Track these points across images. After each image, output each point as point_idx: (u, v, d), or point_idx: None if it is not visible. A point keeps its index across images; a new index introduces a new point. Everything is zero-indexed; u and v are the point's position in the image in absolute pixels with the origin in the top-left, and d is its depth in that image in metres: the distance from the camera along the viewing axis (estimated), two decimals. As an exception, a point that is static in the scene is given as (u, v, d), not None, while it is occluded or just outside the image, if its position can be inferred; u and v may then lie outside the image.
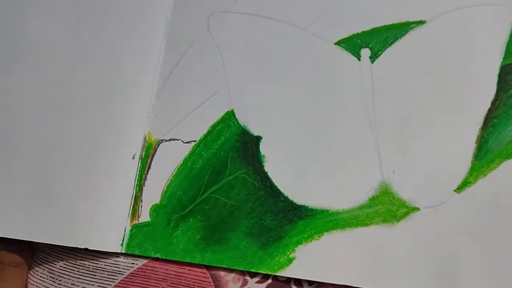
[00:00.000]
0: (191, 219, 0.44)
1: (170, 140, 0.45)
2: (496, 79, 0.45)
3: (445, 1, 0.46)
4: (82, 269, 0.43)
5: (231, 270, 0.42)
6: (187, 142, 0.45)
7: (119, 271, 0.43)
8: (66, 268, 0.43)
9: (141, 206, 0.44)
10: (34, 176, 0.43)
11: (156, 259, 0.43)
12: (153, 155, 0.45)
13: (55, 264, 0.43)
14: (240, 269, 0.43)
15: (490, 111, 0.45)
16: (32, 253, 0.45)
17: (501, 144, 0.44)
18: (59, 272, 0.43)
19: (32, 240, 0.42)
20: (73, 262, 0.43)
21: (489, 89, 0.45)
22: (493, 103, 0.45)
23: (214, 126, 0.45)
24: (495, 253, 0.42)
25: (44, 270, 0.44)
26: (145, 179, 0.45)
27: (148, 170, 0.45)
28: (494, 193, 0.43)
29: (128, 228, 0.44)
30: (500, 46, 0.46)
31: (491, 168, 0.44)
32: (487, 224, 0.43)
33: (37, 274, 0.45)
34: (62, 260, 0.43)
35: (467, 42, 0.46)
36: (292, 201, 0.44)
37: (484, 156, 0.44)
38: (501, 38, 0.46)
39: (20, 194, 0.43)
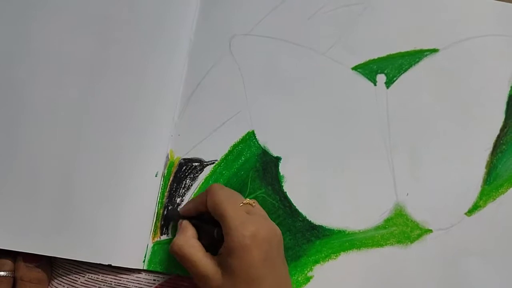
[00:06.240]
0: (212, 237, 0.45)
1: (192, 158, 0.46)
2: (504, 107, 0.47)
3: (457, 30, 0.49)
4: (104, 285, 0.43)
5: None
6: (208, 161, 0.46)
7: (140, 287, 0.43)
8: (88, 284, 0.43)
9: (163, 223, 0.45)
10: (59, 192, 0.44)
11: (177, 275, 0.44)
12: (175, 173, 0.46)
13: (77, 280, 0.44)
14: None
15: (499, 137, 0.47)
16: (51, 269, 0.46)
17: (509, 169, 0.46)
18: (80, 288, 0.44)
19: (58, 256, 0.43)
20: (95, 278, 0.43)
21: (498, 116, 0.47)
22: (501, 129, 0.47)
23: (235, 146, 0.46)
24: (505, 274, 0.44)
25: (64, 286, 0.44)
26: (167, 196, 0.45)
27: (170, 188, 0.45)
28: (503, 216, 0.45)
29: (150, 245, 0.44)
30: (508, 75, 0.48)
31: (500, 192, 0.46)
32: (497, 246, 0.45)
33: (56, 290, 0.45)
34: (84, 276, 0.44)
35: (478, 71, 0.48)
36: (310, 221, 0.45)
37: (494, 180, 0.46)
38: (509, 68, 0.48)
39: (45, 210, 0.43)
